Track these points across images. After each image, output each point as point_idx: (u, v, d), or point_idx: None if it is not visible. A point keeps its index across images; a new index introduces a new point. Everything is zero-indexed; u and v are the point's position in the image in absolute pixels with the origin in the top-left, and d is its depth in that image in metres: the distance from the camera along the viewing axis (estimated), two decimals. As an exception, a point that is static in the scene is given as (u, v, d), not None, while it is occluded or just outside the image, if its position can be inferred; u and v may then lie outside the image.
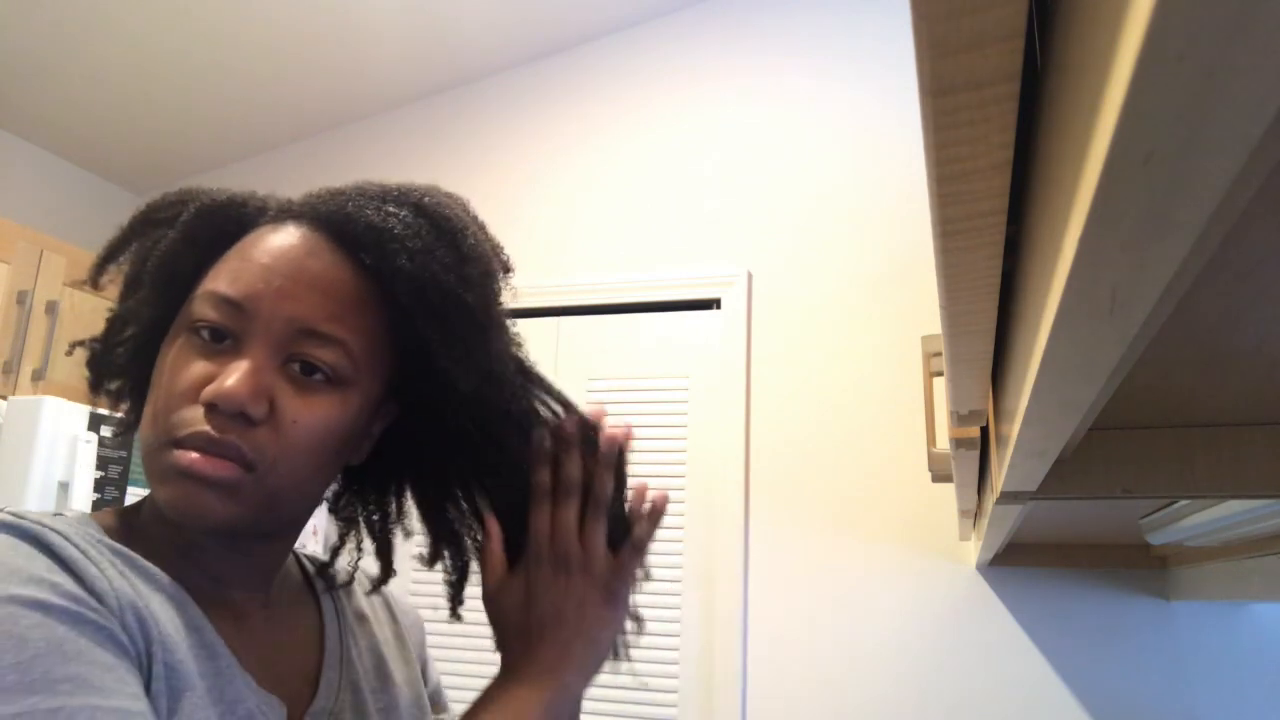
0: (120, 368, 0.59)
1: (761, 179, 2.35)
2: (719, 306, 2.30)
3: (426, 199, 0.57)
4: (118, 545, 0.52)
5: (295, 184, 2.86)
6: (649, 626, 2.13)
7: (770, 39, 2.43)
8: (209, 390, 0.50)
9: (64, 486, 1.86)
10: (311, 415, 0.53)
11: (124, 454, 1.97)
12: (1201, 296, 0.38)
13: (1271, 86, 0.17)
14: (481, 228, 0.60)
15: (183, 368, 0.52)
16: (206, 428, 0.50)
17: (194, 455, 0.50)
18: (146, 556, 0.53)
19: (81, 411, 1.92)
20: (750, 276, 2.30)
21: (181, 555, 0.55)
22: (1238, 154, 0.19)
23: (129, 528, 0.56)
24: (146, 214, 0.59)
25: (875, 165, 2.26)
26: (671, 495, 2.21)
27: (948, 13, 0.23)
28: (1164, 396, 0.57)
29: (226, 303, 0.52)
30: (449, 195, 0.60)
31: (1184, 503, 0.80)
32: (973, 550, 1.88)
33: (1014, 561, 1.94)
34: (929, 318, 2.13)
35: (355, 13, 2.36)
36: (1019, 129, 0.28)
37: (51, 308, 2.25)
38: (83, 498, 1.86)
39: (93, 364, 0.59)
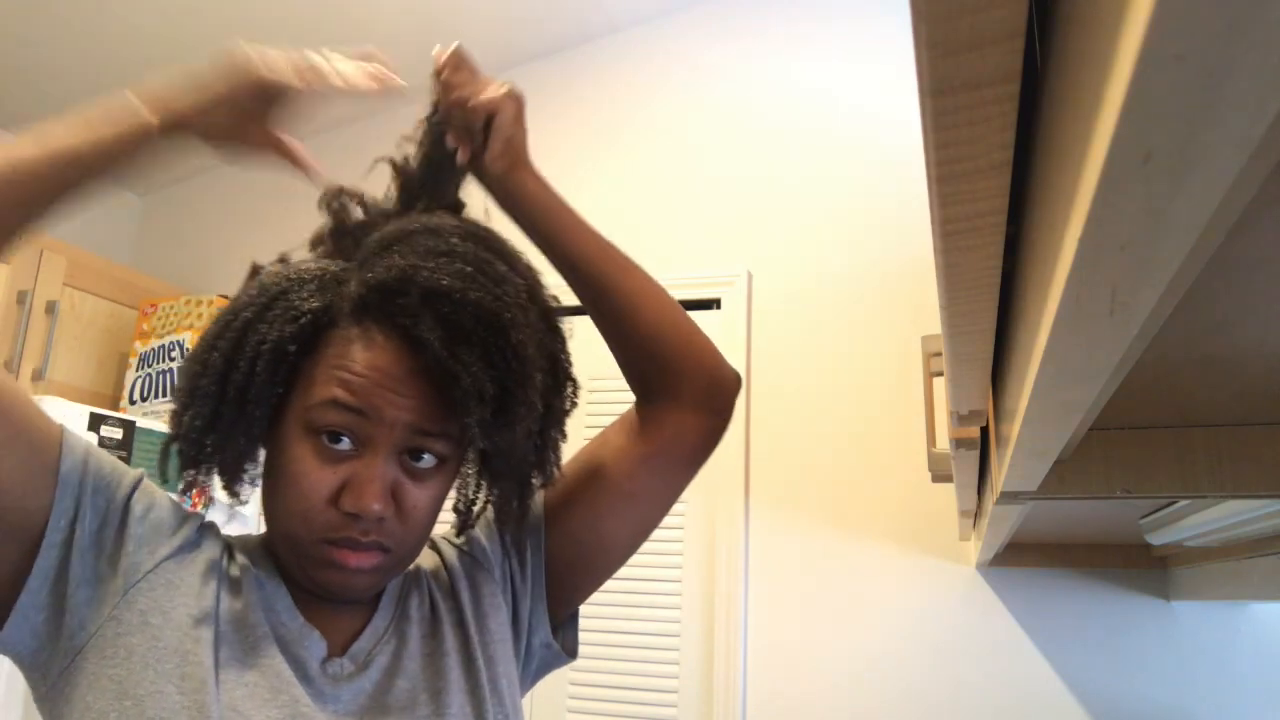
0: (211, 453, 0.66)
1: (761, 179, 2.35)
2: (719, 306, 2.30)
3: (489, 297, 0.62)
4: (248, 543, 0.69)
5: (295, 184, 2.86)
6: (649, 626, 2.13)
7: (771, 39, 2.43)
8: (352, 505, 0.61)
9: (64, 486, 1.86)
10: (428, 497, 0.65)
11: (124, 455, 1.97)
12: (1201, 296, 0.38)
13: (1271, 86, 0.17)
14: (537, 283, 0.72)
15: (311, 471, 0.61)
16: (353, 534, 0.62)
17: (346, 552, 0.62)
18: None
19: (81, 411, 1.92)
20: (750, 276, 2.30)
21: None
22: (1238, 154, 0.19)
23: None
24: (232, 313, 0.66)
25: (875, 165, 2.26)
26: (671, 495, 2.20)
27: (948, 13, 0.23)
28: (1164, 396, 0.57)
29: (350, 411, 0.61)
30: (503, 259, 0.68)
31: (1184, 503, 0.80)
32: (973, 550, 1.88)
33: (1014, 561, 1.94)
34: (929, 318, 2.13)
35: (355, 12, 2.36)
36: (1019, 129, 0.28)
37: (51, 308, 2.25)
38: (83, 498, 1.86)
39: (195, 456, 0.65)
